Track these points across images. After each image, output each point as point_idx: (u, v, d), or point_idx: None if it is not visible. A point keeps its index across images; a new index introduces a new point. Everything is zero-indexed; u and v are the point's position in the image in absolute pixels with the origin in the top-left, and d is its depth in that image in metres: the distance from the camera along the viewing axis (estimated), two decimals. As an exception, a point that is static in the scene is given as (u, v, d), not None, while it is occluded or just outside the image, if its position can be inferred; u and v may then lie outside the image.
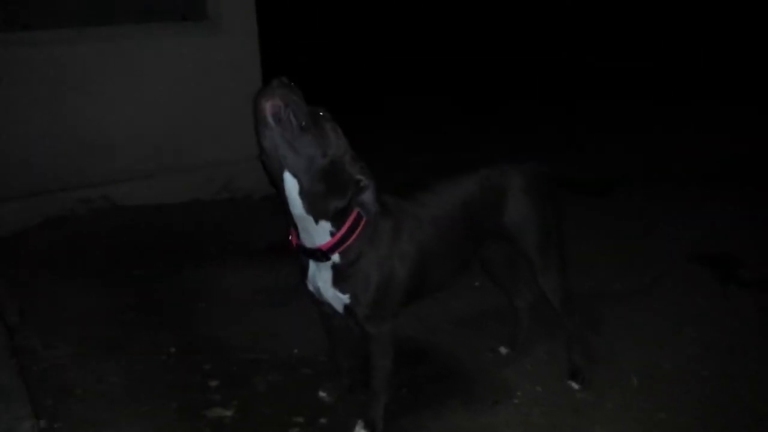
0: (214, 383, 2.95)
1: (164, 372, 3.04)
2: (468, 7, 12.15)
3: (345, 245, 2.35)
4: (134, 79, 4.65)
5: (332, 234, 2.33)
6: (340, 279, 2.41)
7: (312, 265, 2.45)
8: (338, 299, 2.44)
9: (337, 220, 2.32)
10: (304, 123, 2.16)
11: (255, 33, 4.92)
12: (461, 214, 2.62)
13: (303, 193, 2.23)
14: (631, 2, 11.30)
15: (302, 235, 2.37)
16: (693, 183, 5.26)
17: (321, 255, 2.37)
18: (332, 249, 2.35)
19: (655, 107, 7.63)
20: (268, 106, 2.12)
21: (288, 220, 2.37)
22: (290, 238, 2.44)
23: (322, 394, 2.84)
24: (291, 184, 2.21)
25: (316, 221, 2.31)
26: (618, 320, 3.38)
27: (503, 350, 3.15)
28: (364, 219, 2.35)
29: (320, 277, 2.44)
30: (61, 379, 2.97)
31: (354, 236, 2.35)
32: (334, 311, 2.53)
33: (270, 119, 2.12)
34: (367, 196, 2.29)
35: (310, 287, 2.50)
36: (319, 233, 2.33)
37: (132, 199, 4.75)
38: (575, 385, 2.88)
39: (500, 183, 2.69)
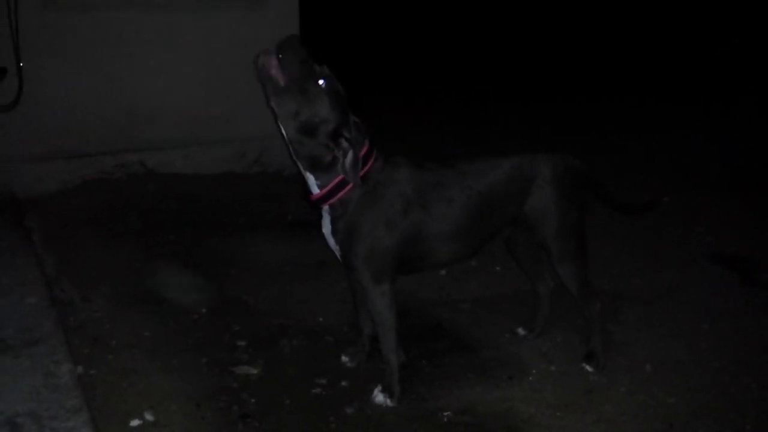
0: (241, 343, 3.07)
1: (194, 330, 3.17)
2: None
3: (331, 201, 2.53)
4: (177, 50, 4.78)
5: (320, 187, 2.52)
6: (335, 230, 2.59)
7: (323, 212, 2.62)
8: (336, 249, 2.63)
9: (321, 177, 2.51)
10: (283, 83, 2.39)
11: (296, 12, 5.02)
12: (480, 200, 2.67)
13: (289, 142, 2.49)
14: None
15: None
16: (720, 188, 5.29)
17: (310, 203, 2.58)
18: (319, 201, 2.55)
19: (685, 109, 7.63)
20: (258, 63, 2.40)
21: None
22: None
23: (344, 359, 2.96)
24: (283, 130, 2.48)
25: (303, 171, 2.53)
26: (637, 314, 3.44)
27: (521, 332, 3.22)
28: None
29: (324, 224, 2.64)
30: (97, 331, 3.12)
31: (340, 194, 2.51)
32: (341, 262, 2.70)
33: (259, 75, 2.41)
34: (346, 165, 2.44)
35: (324, 231, 2.66)
36: (310, 182, 2.56)
37: (167, 167, 4.89)
38: (589, 368, 2.95)
39: (529, 172, 2.74)
